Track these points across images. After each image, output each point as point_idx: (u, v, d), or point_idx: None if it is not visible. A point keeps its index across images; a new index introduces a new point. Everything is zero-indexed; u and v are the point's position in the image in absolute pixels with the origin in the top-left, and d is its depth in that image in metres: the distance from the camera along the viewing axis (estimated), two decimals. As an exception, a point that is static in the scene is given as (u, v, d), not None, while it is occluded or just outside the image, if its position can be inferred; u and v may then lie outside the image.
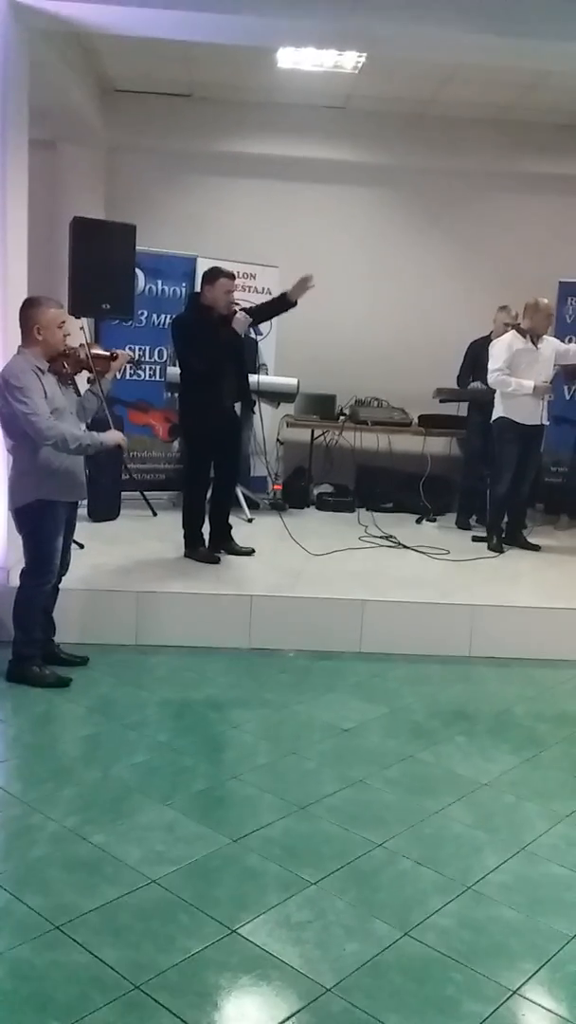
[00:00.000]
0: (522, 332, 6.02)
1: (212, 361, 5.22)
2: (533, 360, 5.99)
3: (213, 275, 5.30)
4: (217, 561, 5.40)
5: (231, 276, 5.35)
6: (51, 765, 3.30)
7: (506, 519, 6.33)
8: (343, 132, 7.81)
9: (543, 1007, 2.16)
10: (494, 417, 6.16)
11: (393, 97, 7.47)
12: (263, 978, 2.20)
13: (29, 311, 3.85)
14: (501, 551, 6.08)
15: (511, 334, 6.08)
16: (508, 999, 2.17)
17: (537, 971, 2.28)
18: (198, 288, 5.80)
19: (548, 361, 6.08)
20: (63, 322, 3.89)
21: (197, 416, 5.37)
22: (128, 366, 5.15)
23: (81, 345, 3.99)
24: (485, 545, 6.18)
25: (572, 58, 5.08)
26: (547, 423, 6.20)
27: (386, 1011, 2.10)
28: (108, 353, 4.19)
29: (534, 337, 6.02)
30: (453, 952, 2.33)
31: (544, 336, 6.10)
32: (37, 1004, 2.06)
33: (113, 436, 4.03)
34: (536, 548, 6.21)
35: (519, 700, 4.22)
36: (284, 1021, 2.06)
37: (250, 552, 5.63)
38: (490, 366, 6.10)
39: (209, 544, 5.58)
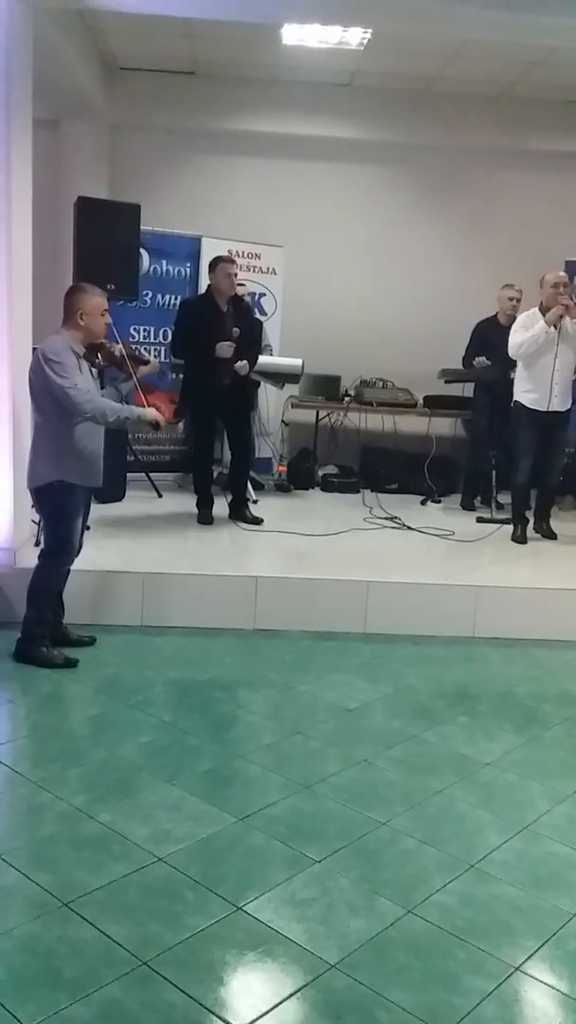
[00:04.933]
0: (541, 311, 5.72)
1: (207, 341, 5.60)
2: (551, 342, 5.61)
3: (212, 263, 5.84)
4: (209, 522, 5.81)
5: (230, 260, 5.89)
6: (59, 745, 3.33)
7: (533, 505, 6.11)
8: (348, 110, 7.74)
9: (545, 983, 2.19)
10: (513, 401, 5.96)
11: (399, 74, 7.40)
12: (268, 954, 2.23)
13: (75, 296, 3.92)
14: (524, 542, 5.87)
15: (532, 310, 5.80)
16: (510, 975, 2.20)
17: (539, 948, 2.31)
18: (203, 271, 6.34)
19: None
20: (105, 310, 3.95)
21: (195, 393, 5.85)
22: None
23: (119, 343, 4.10)
24: (489, 526, 6.13)
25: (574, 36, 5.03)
26: (564, 409, 5.76)
27: (389, 987, 2.13)
28: (140, 356, 4.31)
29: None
30: (456, 929, 2.36)
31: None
32: (46, 979, 2.10)
33: (153, 412, 4.08)
34: (554, 537, 5.99)
35: (522, 680, 4.24)
36: (289, 997, 2.09)
37: (259, 521, 5.91)
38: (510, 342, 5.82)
39: (229, 511, 6.03)
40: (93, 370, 4.05)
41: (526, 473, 5.95)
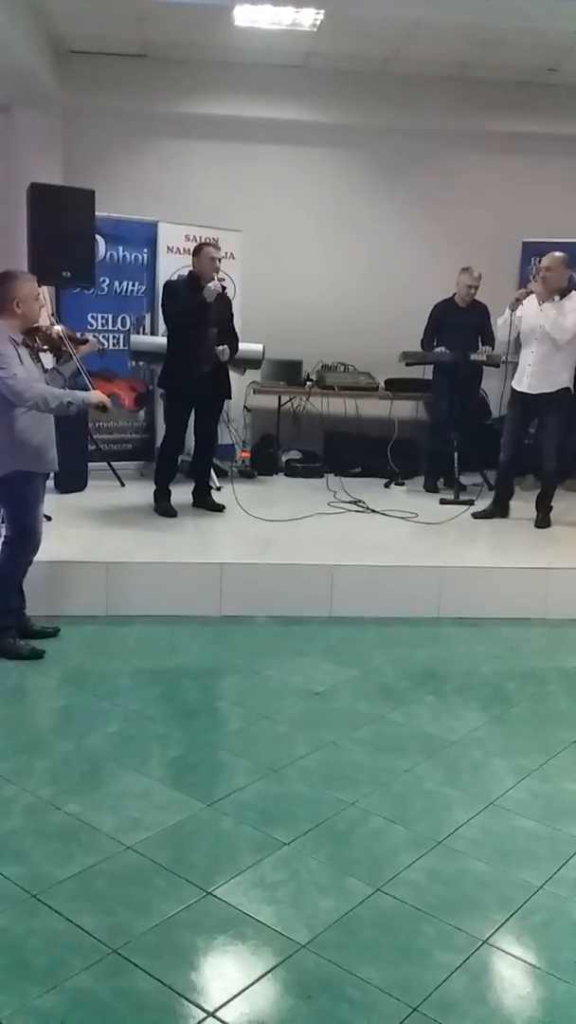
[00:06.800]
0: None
1: (190, 325, 5.59)
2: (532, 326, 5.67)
3: (197, 248, 5.84)
4: (173, 515, 5.69)
5: (214, 245, 5.92)
6: (24, 737, 3.31)
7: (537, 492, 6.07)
8: (303, 92, 7.71)
9: (512, 955, 2.22)
10: None
11: (353, 55, 7.37)
12: (239, 937, 2.24)
13: (7, 285, 3.88)
14: (490, 516, 6.00)
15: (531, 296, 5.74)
16: (478, 949, 2.23)
17: (506, 921, 2.34)
18: (160, 257, 6.29)
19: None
20: (38, 295, 3.93)
21: (175, 376, 5.78)
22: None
23: (55, 325, 4.06)
24: (452, 508, 6.16)
25: (528, 16, 5.04)
26: (539, 392, 5.73)
27: (360, 965, 2.15)
28: (80, 337, 4.27)
29: (539, 298, 5.69)
30: (424, 905, 2.38)
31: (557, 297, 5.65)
32: (16, 971, 2.09)
33: (96, 395, 4.05)
34: (547, 525, 5.88)
35: (487, 659, 4.28)
36: (260, 978, 2.10)
37: (221, 508, 5.90)
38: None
39: (193, 499, 5.99)
40: (39, 355, 4.01)
41: (506, 450, 6.00)
